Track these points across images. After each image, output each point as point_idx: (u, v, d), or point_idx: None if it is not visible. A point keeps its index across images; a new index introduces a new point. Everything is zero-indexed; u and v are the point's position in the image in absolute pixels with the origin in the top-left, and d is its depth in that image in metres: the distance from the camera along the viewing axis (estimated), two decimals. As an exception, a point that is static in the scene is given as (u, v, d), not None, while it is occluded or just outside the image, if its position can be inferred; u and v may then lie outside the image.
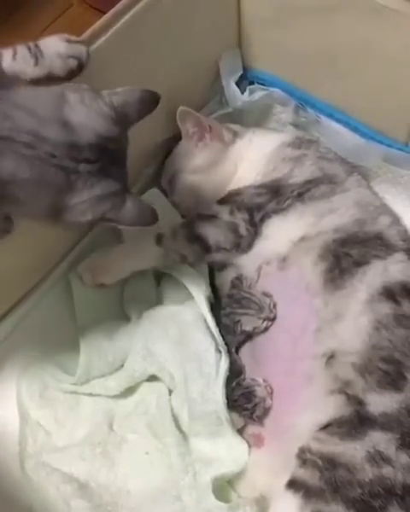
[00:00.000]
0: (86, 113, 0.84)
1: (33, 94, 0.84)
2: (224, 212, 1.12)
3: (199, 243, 1.10)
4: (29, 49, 0.88)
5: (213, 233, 1.10)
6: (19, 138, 0.79)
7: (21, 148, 0.79)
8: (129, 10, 1.03)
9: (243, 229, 1.11)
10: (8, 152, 0.78)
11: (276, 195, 1.13)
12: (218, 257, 1.12)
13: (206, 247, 1.10)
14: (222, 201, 1.15)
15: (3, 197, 0.81)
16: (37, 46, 0.89)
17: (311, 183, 1.13)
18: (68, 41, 0.91)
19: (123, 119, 0.87)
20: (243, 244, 1.11)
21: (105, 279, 1.15)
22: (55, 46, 0.90)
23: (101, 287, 1.15)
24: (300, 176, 1.14)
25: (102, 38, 1.00)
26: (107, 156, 0.85)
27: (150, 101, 0.91)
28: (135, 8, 1.03)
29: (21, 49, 0.88)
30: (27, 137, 0.79)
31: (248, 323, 1.07)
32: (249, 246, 1.12)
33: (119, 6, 1.02)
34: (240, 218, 1.11)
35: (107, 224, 0.89)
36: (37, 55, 0.88)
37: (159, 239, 1.11)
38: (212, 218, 1.12)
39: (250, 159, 1.20)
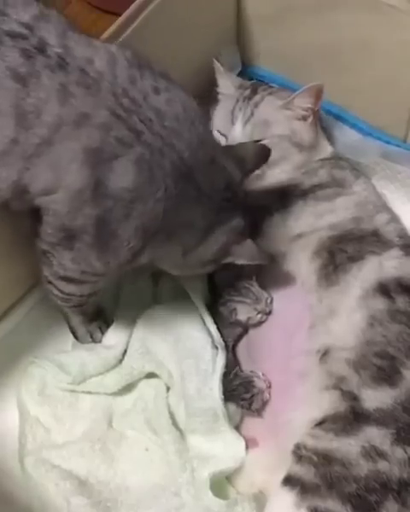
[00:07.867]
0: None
1: None
2: None
3: None
4: None
5: None
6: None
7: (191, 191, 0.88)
8: (139, 15, 1.06)
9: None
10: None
11: (281, 198, 1.14)
12: None
13: None
14: None
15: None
16: None
17: (318, 187, 1.14)
18: None
19: (241, 167, 0.95)
20: None
21: None
22: None
23: None
24: (309, 182, 1.15)
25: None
26: (235, 197, 0.94)
27: (263, 154, 1.00)
28: (144, 13, 1.06)
29: None
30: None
31: (243, 312, 1.07)
32: None
33: (128, 12, 1.05)
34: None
35: (225, 261, 0.97)
36: None
37: None
38: None
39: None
